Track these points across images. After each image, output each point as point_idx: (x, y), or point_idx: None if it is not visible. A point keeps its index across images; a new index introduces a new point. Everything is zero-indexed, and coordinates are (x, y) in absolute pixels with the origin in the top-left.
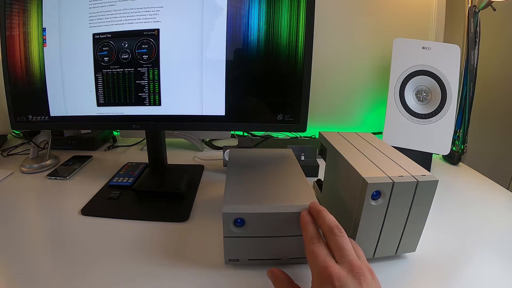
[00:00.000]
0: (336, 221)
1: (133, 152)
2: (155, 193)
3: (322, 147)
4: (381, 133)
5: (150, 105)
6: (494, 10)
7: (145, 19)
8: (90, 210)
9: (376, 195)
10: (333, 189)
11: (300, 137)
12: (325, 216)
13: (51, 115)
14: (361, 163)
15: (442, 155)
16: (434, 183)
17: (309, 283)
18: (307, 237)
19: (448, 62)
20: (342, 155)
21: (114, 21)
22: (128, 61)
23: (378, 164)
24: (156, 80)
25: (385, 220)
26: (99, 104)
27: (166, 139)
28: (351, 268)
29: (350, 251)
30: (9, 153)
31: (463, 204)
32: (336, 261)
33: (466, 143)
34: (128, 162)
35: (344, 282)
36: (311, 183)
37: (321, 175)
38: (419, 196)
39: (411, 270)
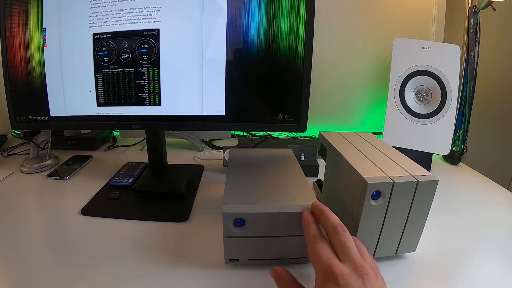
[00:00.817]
0: (339, 220)
1: (133, 152)
2: (155, 193)
3: (322, 147)
4: (381, 133)
5: (150, 105)
6: (494, 10)
7: (145, 19)
8: (90, 210)
9: (376, 195)
10: (333, 189)
11: (300, 137)
12: (328, 215)
13: (51, 115)
14: (361, 163)
15: (442, 155)
16: (434, 183)
17: (310, 283)
18: (309, 237)
19: (448, 62)
20: (342, 155)
21: (114, 21)
22: (128, 61)
23: (378, 164)
24: (156, 80)
25: (385, 220)
26: (99, 104)
27: (166, 139)
28: (354, 266)
29: (353, 249)
30: (9, 153)
31: (463, 204)
32: (339, 260)
33: (466, 143)
34: (128, 162)
35: (347, 280)
36: (311, 183)
37: (321, 175)
38: (419, 196)
39: (411, 270)
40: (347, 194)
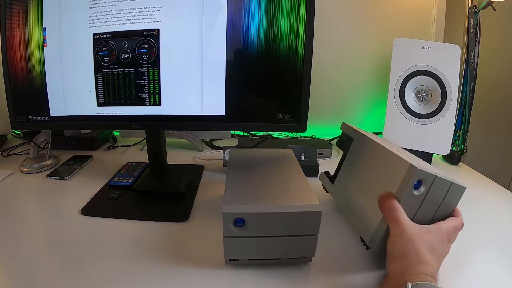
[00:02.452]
0: None
1: (133, 152)
2: (155, 193)
3: (344, 137)
4: (381, 133)
5: (150, 105)
6: (494, 10)
7: (145, 19)
8: (90, 210)
9: (418, 185)
10: (355, 180)
11: (300, 137)
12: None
13: (51, 115)
14: (399, 154)
15: (442, 155)
16: (462, 189)
17: (310, 283)
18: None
19: (448, 62)
20: (379, 143)
21: (114, 21)
22: (128, 61)
23: (410, 160)
24: (156, 80)
25: (416, 214)
26: (99, 104)
27: (166, 139)
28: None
29: None
30: (9, 153)
31: (463, 204)
32: None
33: (466, 143)
34: (128, 162)
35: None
36: (311, 183)
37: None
38: (449, 197)
39: None
40: (382, 184)
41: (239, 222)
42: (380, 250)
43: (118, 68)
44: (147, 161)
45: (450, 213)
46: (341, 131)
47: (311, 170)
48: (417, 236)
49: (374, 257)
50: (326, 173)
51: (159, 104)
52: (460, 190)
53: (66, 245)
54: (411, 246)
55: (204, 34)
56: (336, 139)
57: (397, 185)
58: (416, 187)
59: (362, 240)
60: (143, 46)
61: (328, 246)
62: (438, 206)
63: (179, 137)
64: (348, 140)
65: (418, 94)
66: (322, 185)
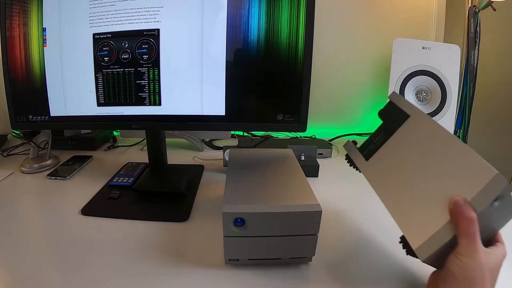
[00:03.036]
0: None
1: (133, 152)
2: (155, 193)
3: (395, 110)
4: None
5: (150, 105)
6: (494, 10)
7: (145, 19)
8: (90, 210)
9: (495, 200)
10: (408, 166)
11: (300, 137)
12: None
13: (51, 115)
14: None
15: None
16: None
17: (309, 283)
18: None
19: (448, 62)
20: (448, 132)
21: (114, 21)
22: (128, 61)
23: None
24: (156, 80)
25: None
26: (99, 104)
27: (166, 139)
28: None
29: None
30: (9, 153)
31: None
32: None
33: (466, 143)
34: (128, 162)
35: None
36: (311, 183)
37: (321, 175)
38: (505, 220)
39: (412, 269)
40: (450, 184)
41: (239, 222)
42: (427, 261)
43: (118, 68)
44: (147, 161)
45: (492, 236)
46: (387, 100)
47: (311, 170)
48: (486, 262)
49: (376, 257)
50: (355, 143)
51: (159, 104)
52: None
53: (66, 245)
54: (480, 273)
55: (204, 34)
56: (335, 139)
57: (473, 192)
58: (494, 201)
59: (402, 241)
60: (143, 46)
61: (329, 246)
62: (493, 227)
63: (179, 137)
64: (400, 115)
65: (418, 94)
66: (346, 156)
